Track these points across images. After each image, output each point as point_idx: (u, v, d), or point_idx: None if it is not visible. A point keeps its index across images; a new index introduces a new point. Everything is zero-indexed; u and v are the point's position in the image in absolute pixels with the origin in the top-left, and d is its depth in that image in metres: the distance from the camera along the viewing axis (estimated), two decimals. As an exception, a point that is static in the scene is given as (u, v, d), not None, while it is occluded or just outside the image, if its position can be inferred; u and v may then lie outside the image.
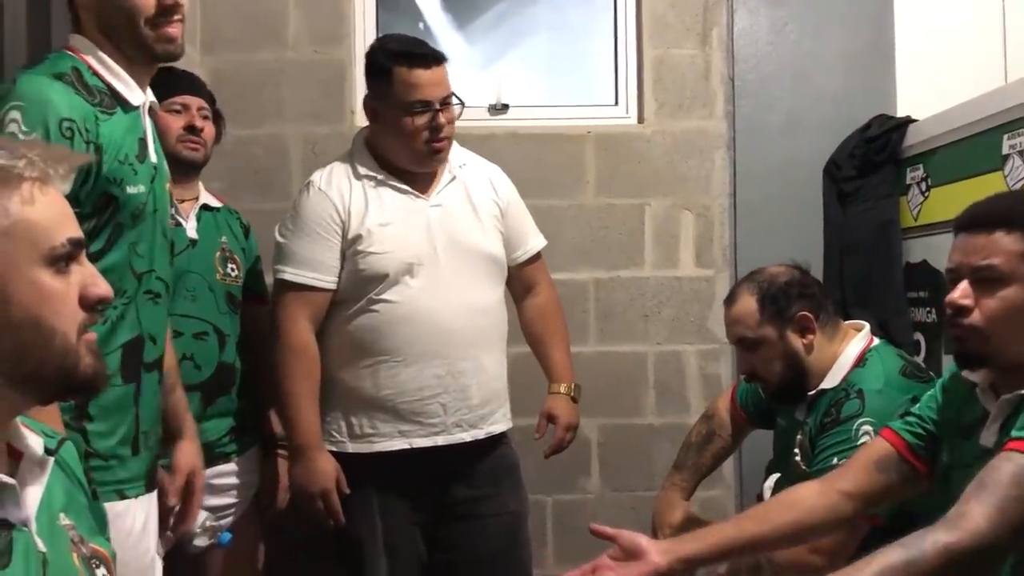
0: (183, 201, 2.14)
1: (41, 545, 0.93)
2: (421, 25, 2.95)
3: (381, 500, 2.07)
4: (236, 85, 2.70)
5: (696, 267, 2.83)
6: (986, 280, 1.36)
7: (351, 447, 2.08)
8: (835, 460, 1.76)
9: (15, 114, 1.35)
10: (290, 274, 2.05)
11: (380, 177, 2.09)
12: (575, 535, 2.80)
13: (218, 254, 2.17)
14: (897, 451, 1.54)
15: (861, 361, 1.88)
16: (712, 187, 2.83)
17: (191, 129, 2.10)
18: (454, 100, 2.09)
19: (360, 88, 2.76)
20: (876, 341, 1.93)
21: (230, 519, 2.17)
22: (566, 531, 2.81)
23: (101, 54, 1.49)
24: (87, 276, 0.94)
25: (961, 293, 1.38)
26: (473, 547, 2.14)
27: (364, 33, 2.83)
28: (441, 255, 2.07)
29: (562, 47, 2.99)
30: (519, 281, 2.29)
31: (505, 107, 2.88)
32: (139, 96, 1.54)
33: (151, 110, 1.59)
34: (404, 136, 2.05)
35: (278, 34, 2.78)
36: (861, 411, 1.78)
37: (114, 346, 1.48)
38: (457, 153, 2.19)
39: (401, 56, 2.04)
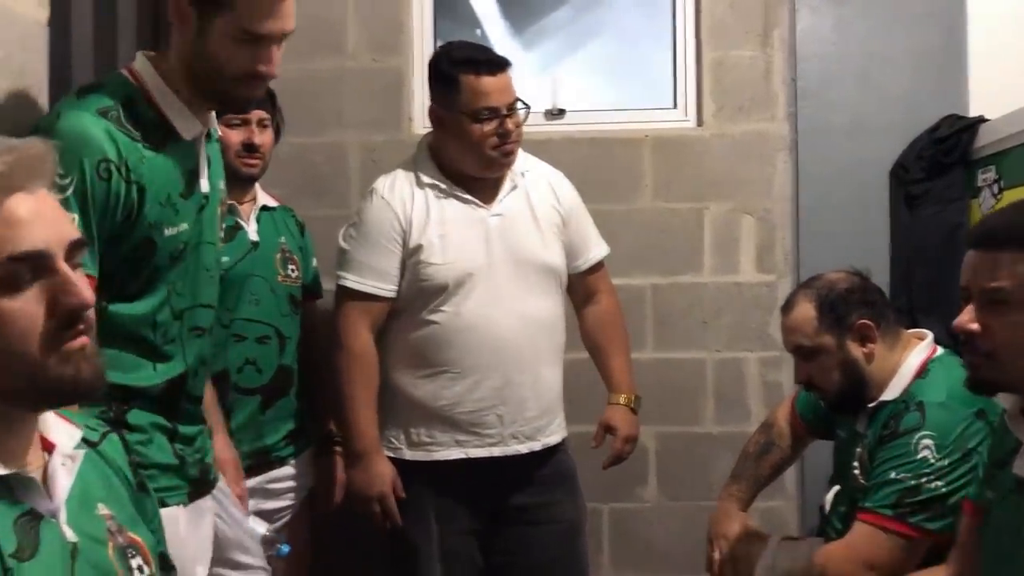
0: (242, 204, 2.17)
1: (71, 535, 0.94)
2: (478, 31, 2.96)
3: (437, 507, 2.08)
4: (296, 93, 2.73)
5: (757, 272, 2.77)
6: (995, 302, 1.28)
7: (409, 455, 2.10)
8: (892, 474, 1.71)
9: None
10: (352, 281, 2.07)
11: (443, 186, 2.10)
12: (631, 544, 2.77)
13: (278, 255, 2.20)
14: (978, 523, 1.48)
15: (923, 372, 1.81)
16: (773, 191, 2.77)
17: (249, 147, 2.11)
18: (519, 105, 2.09)
19: (418, 96, 2.80)
20: (940, 351, 1.86)
21: (286, 520, 2.20)
22: (622, 539, 2.78)
23: (163, 84, 1.48)
24: (57, 286, 0.90)
25: (968, 317, 1.31)
26: (530, 554, 2.13)
27: (422, 41, 2.85)
28: (499, 266, 2.07)
29: (620, 51, 2.97)
30: (580, 289, 2.27)
31: (562, 112, 2.87)
32: (194, 129, 1.51)
33: (210, 133, 1.59)
34: (471, 143, 2.06)
35: (337, 43, 2.81)
36: (921, 425, 1.72)
37: (157, 381, 1.50)
38: (520, 160, 2.18)
39: (467, 63, 2.05)
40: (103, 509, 1.00)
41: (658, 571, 2.74)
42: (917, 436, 1.70)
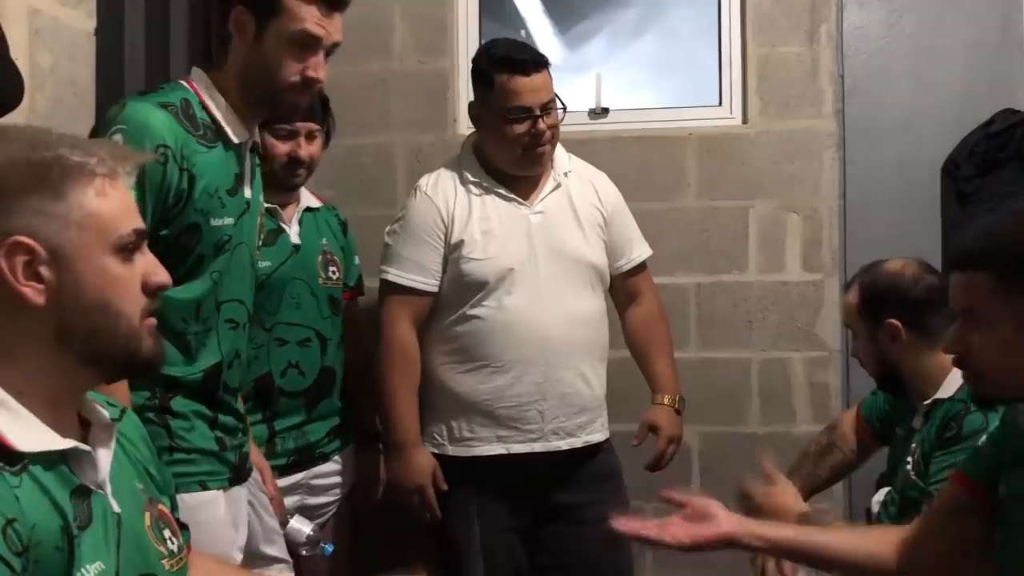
0: (285, 207, 2.19)
1: (116, 506, 0.99)
2: (523, 32, 2.98)
3: (480, 504, 2.10)
4: (344, 96, 2.78)
5: (803, 271, 2.73)
6: (971, 321, 1.29)
7: (451, 450, 2.12)
8: None
9: (118, 136, 1.45)
10: (394, 275, 2.11)
11: (485, 184, 2.12)
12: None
13: (320, 258, 2.21)
14: (967, 495, 1.44)
15: None
16: (820, 188, 2.73)
17: (295, 160, 2.13)
18: (556, 105, 2.09)
19: (463, 97, 2.83)
20: None
21: (330, 515, 2.24)
22: (666, 539, 2.76)
23: (216, 92, 1.58)
24: (149, 265, 1.00)
25: (951, 339, 1.32)
26: (572, 552, 2.14)
27: (467, 42, 2.88)
28: (541, 263, 2.09)
29: (665, 49, 2.95)
30: (622, 290, 2.28)
31: (605, 111, 2.87)
32: (242, 134, 1.61)
33: (254, 147, 1.68)
34: (505, 142, 2.08)
35: (384, 46, 2.86)
36: (985, 427, 1.68)
37: (196, 370, 1.58)
38: (563, 159, 2.20)
39: (502, 63, 2.07)
40: (136, 483, 1.06)
41: (702, 571, 2.72)
42: (983, 438, 1.67)
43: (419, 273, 2.09)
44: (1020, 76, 2.61)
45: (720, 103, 2.83)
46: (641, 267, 2.28)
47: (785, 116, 2.74)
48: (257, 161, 1.72)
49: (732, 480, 2.67)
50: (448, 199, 2.11)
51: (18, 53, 1.44)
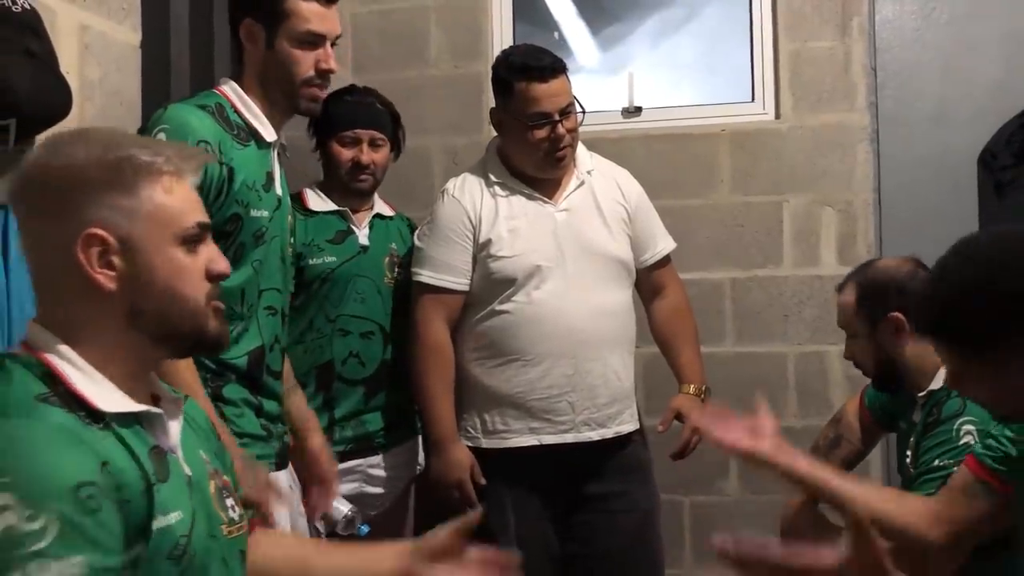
0: (357, 212, 2.27)
1: (187, 469, 1.08)
2: (556, 35, 3.03)
3: (514, 495, 2.14)
4: (383, 102, 2.87)
5: (839, 265, 2.73)
6: (962, 379, 1.33)
7: (485, 443, 2.17)
8: (936, 461, 1.69)
9: (162, 135, 1.56)
10: (426, 276, 2.16)
11: (510, 185, 2.17)
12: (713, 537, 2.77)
13: (387, 259, 2.28)
14: (976, 476, 1.48)
15: None
16: (855, 182, 2.73)
17: (357, 165, 2.21)
18: (575, 108, 2.14)
19: (497, 99, 2.89)
20: None
21: (386, 506, 2.28)
22: (703, 532, 2.79)
23: (245, 96, 1.70)
24: (212, 254, 1.10)
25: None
26: (603, 542, 2.17)
27: (502, 46, 2.92)
28: (568, 258, 2.13)
29: (698, 47, 2.98)
30: (648, 284, 2.31)
31: (639, 110, 2.90)
32: (271, 135, 1.72)
33: (282, 149, 1.78)
34: (527, 146, 2.13)
35: (421, 52, 2.93)
36: (962, 410, 1.70)
37: (241, 353, 1.67)
38: (585, 158, 2.24)
39: (520, 70, 2.12)
40: (201, 453, 1.14)
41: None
42: (959, 422, 1.69)
43: (450, 273, 2.15)
44: (1057, 65, 2.59)
45: (753, 99, 2.85)
46: (666, 260, 2.31)
47: (818, 111, 2.75)
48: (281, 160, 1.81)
49: (769, 475, 2.72)
50: (475, 200, 2.16)
51: (69, 67, 1.54)
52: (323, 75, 1.70)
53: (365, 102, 2.27)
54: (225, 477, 1.17)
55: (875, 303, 1.83)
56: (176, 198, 1.05)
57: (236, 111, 1.68)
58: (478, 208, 2.16)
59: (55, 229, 1.00)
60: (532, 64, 2.12)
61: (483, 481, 2.14)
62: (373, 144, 2.24)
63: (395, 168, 2.91)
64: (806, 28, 2.76)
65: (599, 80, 2.99)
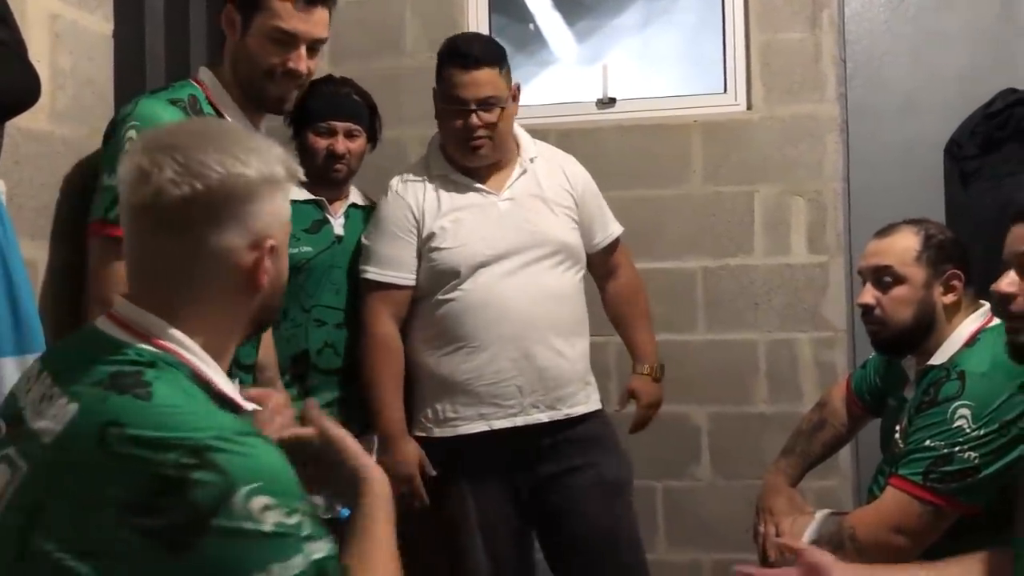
0: (333, 201, 2.28)
1: None
2: (531, 26, 3.05)
3: (472, 482, 2.15)
4: (359, 92, 2.89)
5: (809, 254, 2.78)
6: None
7: (437, 432, 2.17)
8: (927, 442, 1.70)
9: (132, 132, 1.56)
10: (372, 273, 2.17)
11: (452, 177, 2.19)
12: (685, 521, 2.83)
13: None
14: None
15: (973, 340, 1.80)
16: (824, 171, 2.77)
17: (332, 154, 2.22)
18: (499, 103, 2.11)
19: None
20: (995, 321, 1.83)
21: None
22: (676, 517, 2.83)
23: (220, 86, 1.70)
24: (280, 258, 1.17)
25: (1007, 281, 1.39)
26: (569, 520, 2.18)
27: (477, 37, 2.96)
28: (512, 245, 2.14)
29: (671, 39, 3.01)
30: (599, 267, 2.35)
31: (612, 101, 2.93)
32: (247, 127, 1.69)
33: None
34: (445, 132, 2.16)
35: (397, 42, 2.95)
36: (960, 393, 1.71)
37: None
38: (529, 146, 2.25)
39: (447, 55, 2.14)
40: None
41: (712, 548, 2.79)
42: (955, 405, 1.69)
43: (395, 268, 2.16)
44: (1020, 56, 2.64)
45: (725, 91, 2.89)
46: (616, 244, 2.35)
47: (789, 101, 2.79)
48: None
49: (740, 460, 2.76)
50: (417, 195, 2.18)
51: (39, 55, 1.55)
52: (289, 74, 1.67)
53: (341, 93, 2.28)
54: None
55: (942, 256, 1.80)
56: (288, 205, 1.11)
57: (211, 102, 1.68)
58: (421, 202, 2.17)
59: (220, 238, 1.03)
60: (459, 51, 2.13)
61: (433, 473, 2.15)
62: (349, 135, 2.25)
63: (371, 158, 2.93)
64: (777, 20, 2.80)
65: (574, 71, 3.02)
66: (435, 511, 2.18)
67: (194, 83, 1.70)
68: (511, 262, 2.15)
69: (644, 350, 2.35)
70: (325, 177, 2.23)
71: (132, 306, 1.04)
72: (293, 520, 0.94)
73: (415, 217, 2.17)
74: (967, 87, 2.65)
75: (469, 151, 2.16)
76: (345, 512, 2.13)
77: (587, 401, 2.22)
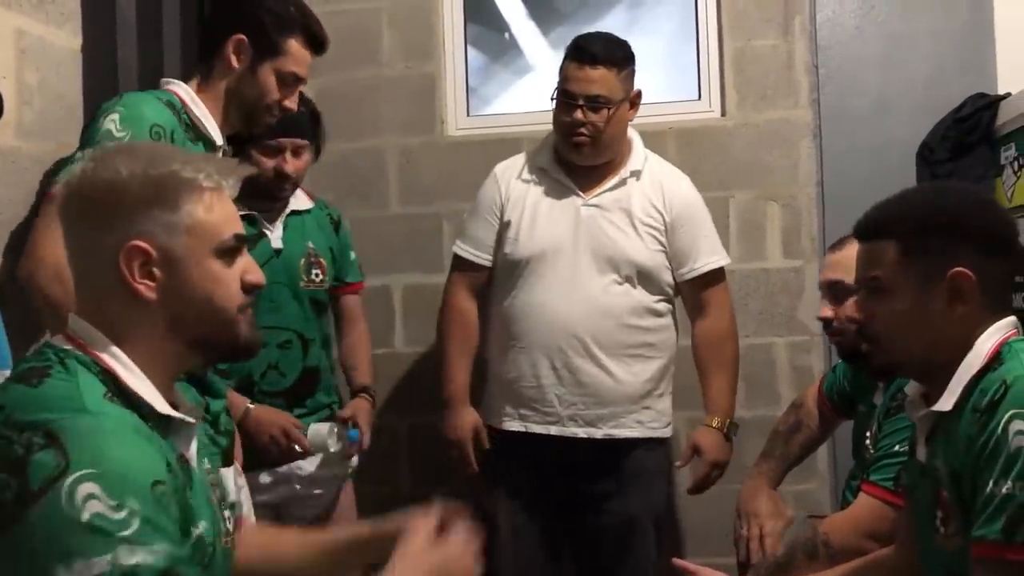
0: (268, 212, 2.22)
1: (201, 477, 1.12)
2: (507, 35, 3.07)
3: (508, 480, 2.21)
4: (336, 102, 2.88)
5: (784, 258, 2.80)
6: (874, 291, 1.35)
7: (489, 421, 2.27)
8: (897, 447, 1.72)
9: (114, 116, 1.60)
10: (456, 248, 2.30)
11: (550, 170, 2.22)
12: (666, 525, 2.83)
13: (303, 261, 2.24)
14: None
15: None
16: (799, 177, 2.80)
17: (281, 175, 2.18)
18: (608, 103, 2.13)
19: (450, 99, 2.94)
20: None
21: (315, 510, 2.28)
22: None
23: (197, 99, 1.74)
24: (248, 265, 1.13)
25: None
26: (590, 543, 2.22)
27: (453, 46, 2.97)
28: (581, 253, 2.16)
29: (646, 47, 3.01)
30: (689, 299, 2.30)
31: (588, 108, 2.94)
32: (220, 139, 1.78)
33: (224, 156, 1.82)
34: (555, 124, 2.21)
35: (373, 52, 2.96)
36: None
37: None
38: (638, 158, 2.24)
39: (571, 48, 2.19)
40: (205, 462, 1.18)
41: (691, 553, 2.79)
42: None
43: (475, 247, 2.26)
44: (990, 61, 2.66)
45: (699, 97, 2.90)
46: (711, 279, 2.25)
47: (762, 108, 2.81)
48: None
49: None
50: (510, 181, 2.25)
51: (5, 71, 1.56)
52: (282, 109, 1.81)
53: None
54: (219, 489, 1.21)
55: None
56: (216, 213, 1.08)
57: (187, 111, 1.72)
58: (509, 189, 2.23)
59: (100, 238, 1.04)
60: (580, 46, 2.17)
61: (487, 446, 2.22)
62: (296, 152, 2.20)
63: (349, 168, 2.95)
64: (750, 27, 2.82)
65: (550, 80, 3.02)
66: (471, 492, 2.18)
67: (169, 92, 1.73)
68: (577, 269, 2.15)
69: (718, 402, 2.25)
70: (269, 195, 2.19)
71: (73, 316, 1.08)
72: (116, 516, 0.91)
73: (500, 201, 2.23)
74: (937, 90, 2.68)
75: (570, 146, 2.18)
76: (354, 433, 2.20)
77: (637, 426, 2.19)
